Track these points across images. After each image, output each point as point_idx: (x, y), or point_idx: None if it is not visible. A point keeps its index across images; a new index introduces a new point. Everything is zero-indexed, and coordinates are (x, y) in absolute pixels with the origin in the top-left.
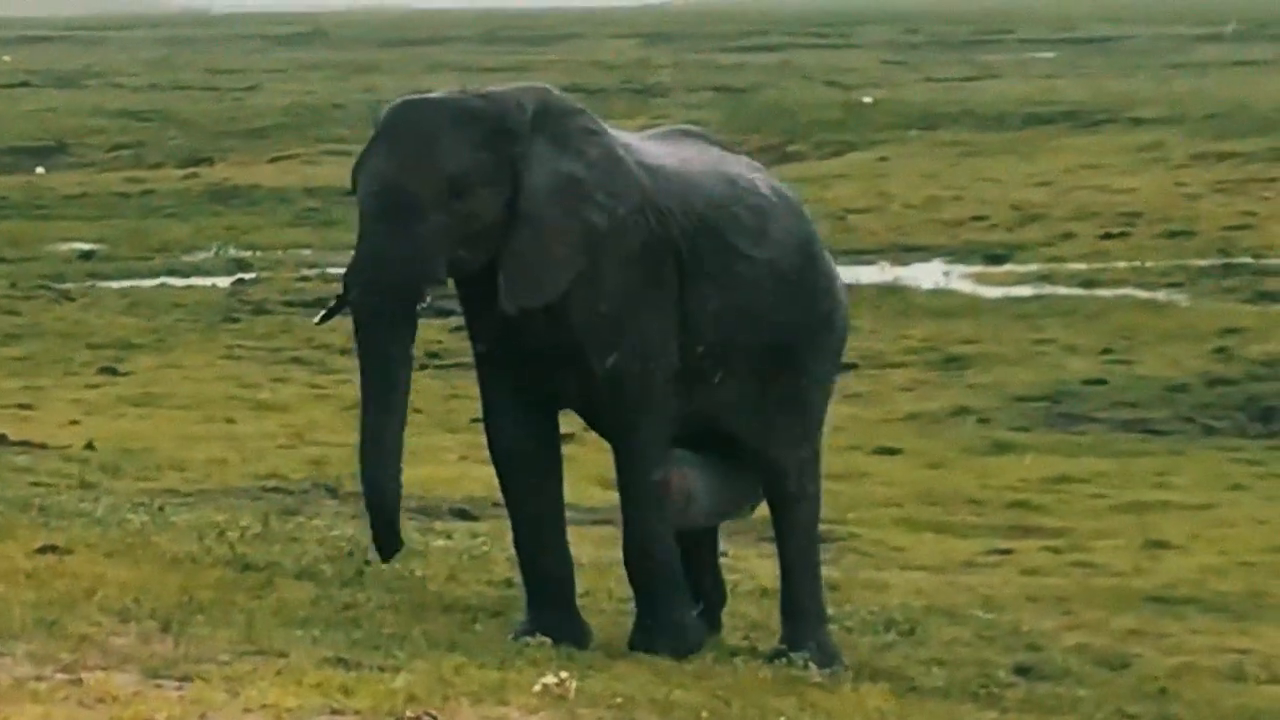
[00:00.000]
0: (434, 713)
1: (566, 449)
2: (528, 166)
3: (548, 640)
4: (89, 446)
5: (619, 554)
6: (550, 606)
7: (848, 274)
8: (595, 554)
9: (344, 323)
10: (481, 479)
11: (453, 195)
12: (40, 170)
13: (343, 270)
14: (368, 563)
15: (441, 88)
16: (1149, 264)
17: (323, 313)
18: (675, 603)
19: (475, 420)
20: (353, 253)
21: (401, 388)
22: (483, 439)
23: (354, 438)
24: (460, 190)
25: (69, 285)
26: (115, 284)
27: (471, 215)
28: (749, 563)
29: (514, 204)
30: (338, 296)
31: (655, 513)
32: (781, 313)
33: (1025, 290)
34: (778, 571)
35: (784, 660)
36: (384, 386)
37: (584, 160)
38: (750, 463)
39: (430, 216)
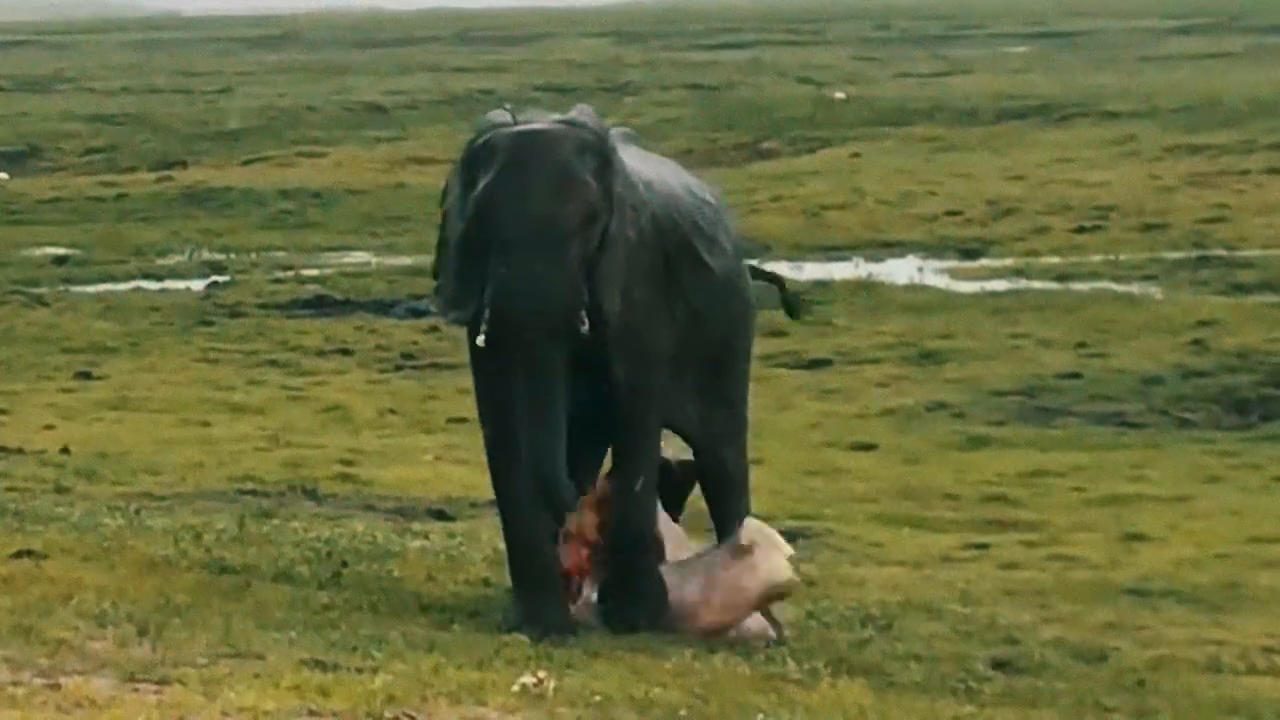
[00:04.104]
0: (412, 713)
1: None
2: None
3: (526, 639)
4: (64, 451)
5: None
6: (540, 591)
7: (822, 270)
8: None
9: (317, 325)
10: (458, 480)
11: (584, 223)
12: (4, 176)
13: (317, 271)
14: (345, 564)
15: (417, 89)
16: (1123, 257)
17: (481, 335)
18: (652, 573)
19: (452, 420)
20: (499, 279)
21: (562, 405)
22: (459, 439)
23: (337, 440)
24: (590, 218)
25: (43, 290)
26: (89, 288)
27: (590, 240)
28: None
29: (605, 229)
30: (488, 320)
31: (649, 503)
32: (729, 313)
33: (1000, 285)
34: None
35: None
36: (549, 405)
37: (621, 178)
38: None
39: (572, 244)
